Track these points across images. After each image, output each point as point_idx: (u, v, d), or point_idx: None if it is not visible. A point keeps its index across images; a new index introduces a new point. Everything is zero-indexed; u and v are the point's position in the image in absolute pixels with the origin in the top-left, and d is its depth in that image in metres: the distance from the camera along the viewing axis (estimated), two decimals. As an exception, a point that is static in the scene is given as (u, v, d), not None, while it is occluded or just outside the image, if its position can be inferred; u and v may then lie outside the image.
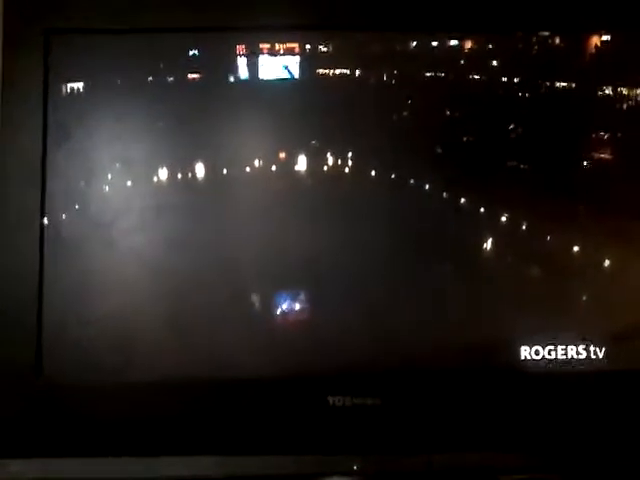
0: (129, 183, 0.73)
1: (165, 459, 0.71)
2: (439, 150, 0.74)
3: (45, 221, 0.72)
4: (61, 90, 0.72)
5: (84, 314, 0.72)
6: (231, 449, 0.72)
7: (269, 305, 0.73)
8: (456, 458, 0.72)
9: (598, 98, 0.75)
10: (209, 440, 0.72)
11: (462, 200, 0.74)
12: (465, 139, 0.74)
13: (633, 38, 0.75)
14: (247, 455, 0.72)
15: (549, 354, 0.73)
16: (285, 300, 0.73)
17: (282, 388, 0.72)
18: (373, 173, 0.74)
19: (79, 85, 0.73)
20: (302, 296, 0.73)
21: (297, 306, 0.73)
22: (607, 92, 0.75)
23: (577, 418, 0.73)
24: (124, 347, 0.72)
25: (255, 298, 0.73)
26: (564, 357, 0.73)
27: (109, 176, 0.73)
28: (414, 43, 0.74)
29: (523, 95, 0.75)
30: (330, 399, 0.72)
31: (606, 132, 0.74)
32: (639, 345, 0.73)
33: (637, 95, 0.75)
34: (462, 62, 0.74)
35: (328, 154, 0.73)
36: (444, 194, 0.74)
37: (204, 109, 0.74)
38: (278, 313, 0.73)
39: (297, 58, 0.74)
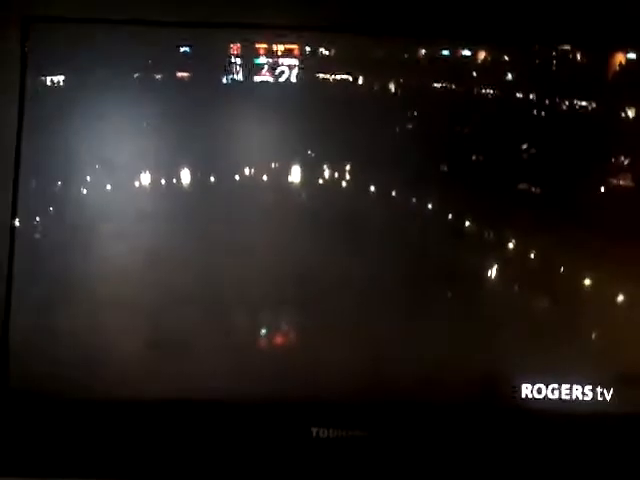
0: (109, 187, 0.68)
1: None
2: (445, 168, 0.69)
3: (17, 223, 0.67)
4: (39, 83, 0.68)
5: (55, 325, 0.68)
6: (206, 477, 0.67)
7: (253, 326, 0.68)
8: (446, 500, 0.68)
9: (619, 120, 0.69)
10: (181, 468, 0.67)
11: (467, 223, 0.69)
12: (473, 157, 0.69)
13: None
14: (222, 485, 0.67)
15: (552, 393, 0.68)
16: (270, 322, 0.68)
17: (263, 416, 0.67)
18: (372, 189, 0.69)
19: (59, 78, 0.68)
20: (288, 318, 0.68)
21: (282, 329, 0.68)
22: (629, 114, 0.69)
23: (580, 461, 0.68)
24: (95, 362, 0.67)
25: (238, 318, 0.68)
26: (568, 397, 0.68)
27: (88, 178, 0.68)
28: (423, 51, 0.69)
29: (538, 113, 0.69)
30: (314, 430, 0.67)
31: (626, 157, 0.69)
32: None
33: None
34: (474, 74, 0.69)
35: (325, 166, 0.68)
36: (448, 216, 0.69)
37: (193, 111, 0.69)
38: (262, 335, 0.68)
39: (296, 61, 0.68)
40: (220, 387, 0.68)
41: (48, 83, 0.68)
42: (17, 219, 0.67)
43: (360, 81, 0.69)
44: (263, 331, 0.68)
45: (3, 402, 0.67)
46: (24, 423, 0.67)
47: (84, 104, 0.68)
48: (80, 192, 0.68)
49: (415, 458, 0.67)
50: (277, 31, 0.69)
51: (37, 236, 0.68)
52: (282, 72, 0.69)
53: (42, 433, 0.67)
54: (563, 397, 0.69)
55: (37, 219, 0.68)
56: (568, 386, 0.68)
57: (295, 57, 0.69)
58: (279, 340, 0.68)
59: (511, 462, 0.68)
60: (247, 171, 0.68)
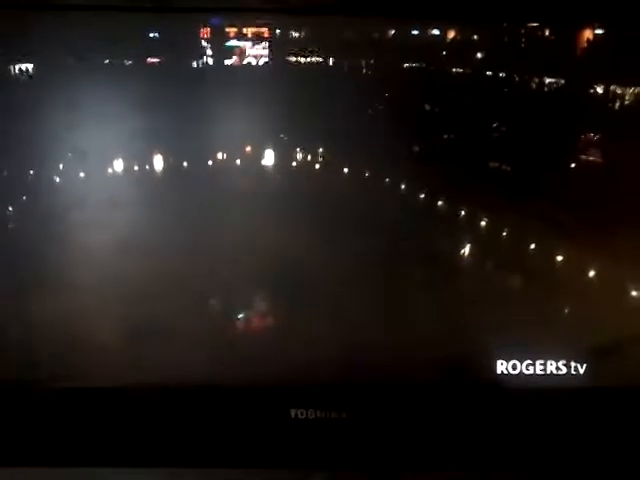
0: (82, 174, 0.68)
1: (110, 470, 0.66)
2: (416, 148, 0.69)
3: (-11, 213, 0.67)
4: (8, 71, 0.67)
5: (31, 314, 0.67)
6: (186, 461, 0.67)
7: (231, 310, 0.69)
8: (426, 478, 0.68)
9: (588, 96, 0.70)
10: (161, 451, 0.67)
11: (439, 202, 0.69)
12: (445, 137, 0.70)
13: (629, 32, 0.70)
14: (203, 467, 0.67)
15: (527, 369, 0.69)
16: (248, 306, 0.68)
17: (242, 398, 0.67)
18: (345, 170, 0.69)
19: (28, 66, 0.67)
20: (267, 301, 0.68)
21: (261, 312, 0.68)
22: (598, 90, 0.70)
23: (555, 436, 0.69)
24: (71, 351, 0.67)
25: (216, 302, 0.69)
26: (542, 372, 0.69)
27: (60, 166, 0.68)
28: (393, 31, 0.69)
29: (508, 91, 0.70)
30: (293, 411, 0.67)
31: (597, 133, 0.70)
32: (621, 362, 0.69)
33: (630, 94, 0.70)
34: (444, 53, 0.69)
35: (297, 149, 0.68)
36: (420, 195, 0.69)
37: (164, 96, 0.68)
38: (240, 320, 0.68)
39: (266, 44, 0.68)
40: (199, 371, 0.68)
41: (17, 70, 0.67)
42: (-10, 209, 0.67)
43: (330, 62, 0.69)
44: (241, 315, 0.68)
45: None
46: (3, 413, 0.67)
47: (54, 92, 0.68)
48: (53, 180, 0.68)
49: (393, 438, 0.68)
50: (246, 14, 0.69)
51: (11, 225, 0.67)
52: (253, 55, 0.69)
53: (22, 422, 0.67)
54: (537, 372, 0.69)
55: (10, 208, 0.67)
56: (542, 361, 0.69)
57: (266, 40, 0.68)
58: (257, 324, 0.69)
59: (488, 438, 0.69)
60: (220, 156, 0.68)
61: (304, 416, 0.67)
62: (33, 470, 0.66)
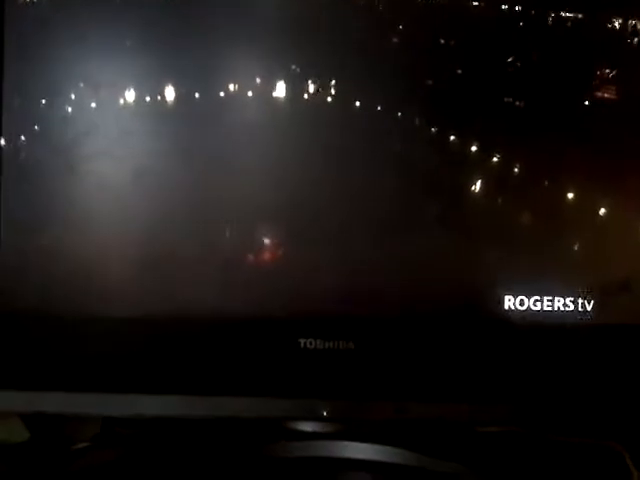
0: (93, 105, 0.68)
1: (125, 397, 0.68)
2: (430, 81, 0.69)
3: (2, 142, 0.67)
4: (20, 1, 0.66)
5: (43, 244, 0.68)
6: (198, 390, 0.69)
7: (240, 242, 0.69)
8: (431, 407, 0.70)
9: (607, 31, 0.68)
10: (174, 380, 0.69)
11: (452, 137, 0.69)
12: (459, 71, 0.69)
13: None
14: (214, 396, 0.69)
15: (534, 305, 0.70)
16: (256, 237, 0.69)
17: (252, 329, 0.69)
18: (357, 104, 0.68)
19: (37, -5, 0.67)
20: (275, 233, 0.69)
21: (269, 244, 0.69)
22: (616, 25, 0.68)
23: (560, 371, 0.70)
24: (83, 281, 0.68)
25: (226, 234, 0.69)
26: (550, 309, 0.70)
27: (72, 96, 0.68)
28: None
29: (525, 25, 0.68)
30: (301, 341, 0.69)
31: (612, 70, 0.69)
32: (628, 299, 0.69)
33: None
34: (460, -15, 0.68)
35: (309, 81, 0.68)
36: (433, 129, 0.69)
37: (175, 27, 0.68)
38: (249, 250, 0.69)
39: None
40: (210, 303, 0.69)
41: (28, 1, 0.67)
42: (2, 138, 0.67)
43: (344, -7, 0.68)
44: (250, 247, 0.69)
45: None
46: (19, 341, 0.69)
47: (66, 21, 0.67)
48: (65, 110, 0.68)
49: (400, 369, 0.69)
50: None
51: (23, 155, 0.68)
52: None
53: (31, 351, 0.69)
54: (545, 308, 0.70)
55: (22, 138, 0.68)
56: (550, 298, 0.70)
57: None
58: (266, 255, 0.69)
59: (494, 373, 0.70)
60: (231, 87, 0.68)
61: (313, 346, 0.68)
62: (51, 394, 0.68)
